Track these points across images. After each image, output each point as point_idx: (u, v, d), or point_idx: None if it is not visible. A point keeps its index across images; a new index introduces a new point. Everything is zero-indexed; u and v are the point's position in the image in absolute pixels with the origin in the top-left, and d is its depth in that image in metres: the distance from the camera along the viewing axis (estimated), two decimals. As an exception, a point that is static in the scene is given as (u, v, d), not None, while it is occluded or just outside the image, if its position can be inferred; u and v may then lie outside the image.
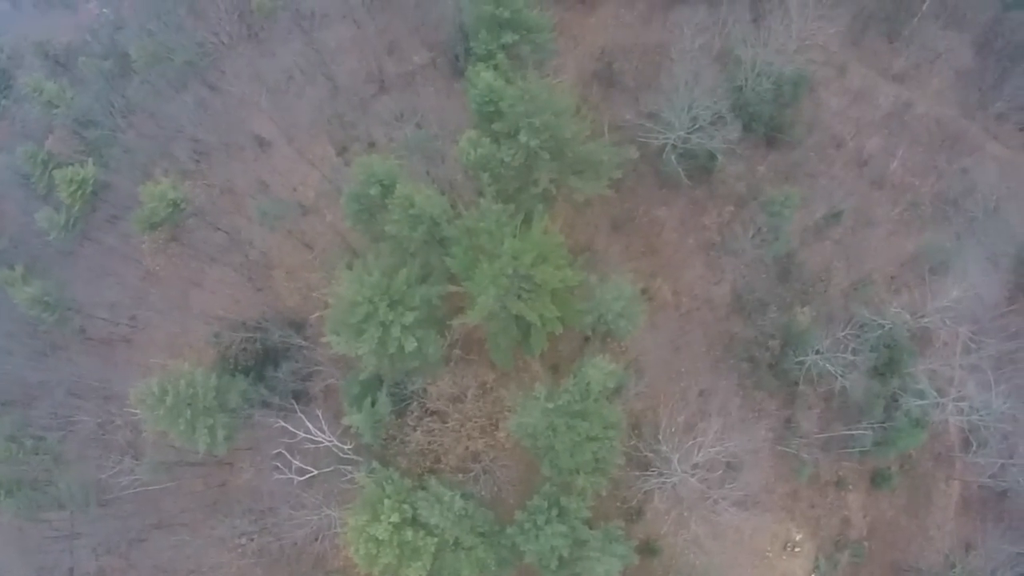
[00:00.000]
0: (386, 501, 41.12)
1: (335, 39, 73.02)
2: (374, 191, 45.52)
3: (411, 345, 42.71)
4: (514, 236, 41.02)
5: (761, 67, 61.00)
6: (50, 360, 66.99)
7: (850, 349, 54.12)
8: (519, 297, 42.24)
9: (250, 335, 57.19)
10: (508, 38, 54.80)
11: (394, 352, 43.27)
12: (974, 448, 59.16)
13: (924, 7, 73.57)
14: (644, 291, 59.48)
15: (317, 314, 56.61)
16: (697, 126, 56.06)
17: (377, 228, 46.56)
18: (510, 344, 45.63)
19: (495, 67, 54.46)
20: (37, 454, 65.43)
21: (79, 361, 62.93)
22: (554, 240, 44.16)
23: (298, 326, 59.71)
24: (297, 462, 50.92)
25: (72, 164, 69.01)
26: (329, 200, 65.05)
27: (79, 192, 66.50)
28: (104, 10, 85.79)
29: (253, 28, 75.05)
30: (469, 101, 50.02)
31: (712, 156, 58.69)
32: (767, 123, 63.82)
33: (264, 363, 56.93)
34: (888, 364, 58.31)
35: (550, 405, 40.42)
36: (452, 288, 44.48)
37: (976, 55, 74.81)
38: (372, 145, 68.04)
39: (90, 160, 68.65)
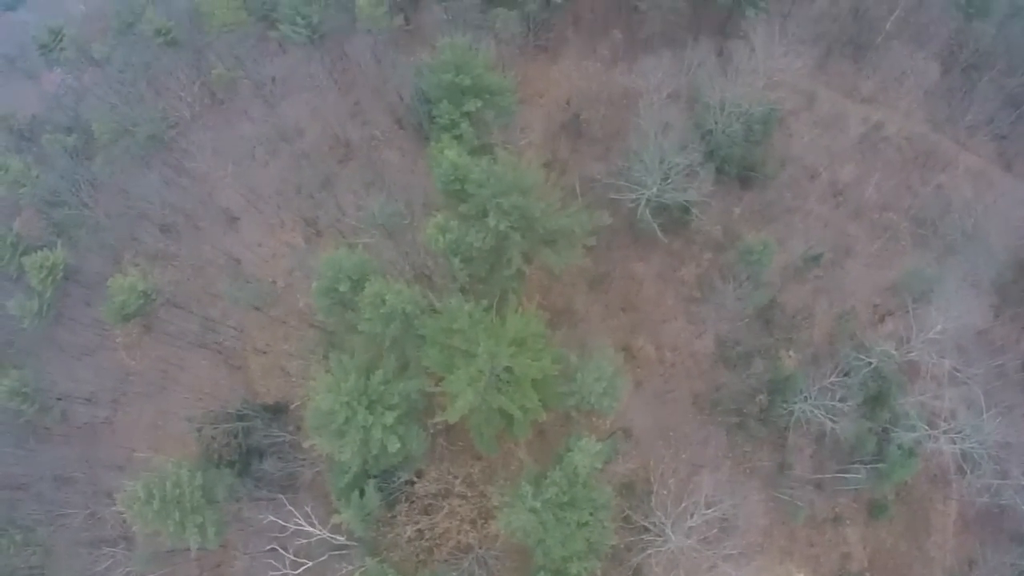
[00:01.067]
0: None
1: (297, 106, 71.26)
2: (344, 287, 44.19)
3: (394, 445, 41.56)
4: (488, 333, 39.78)
5: (730, 108, 59.92)
6: (34, 449, 65.34)
7: (838, 396, 53.48)
8: (499, 390, 41.15)
9: (232, 426, 55.81)
10: (471, 106, 53.40)
11: (378, 452, 42.12)
12: (968, 472, 58.78)
13: (888, 26, 72.69)
14: (626, 348, 58.72)
15: (297, 403, 55.56)
16: (669, 181, 54.91)
17: (350, 320, 45.24)
18: (494, 432, 44.56)
19: (459, 136, 53.18)
20: (28, 547, 63.95)
21: (63, 450, 61.43)
22: (532, 328, 42.99)
23: (279, 410, 58.48)
24: (290, 556, 49.92)
25: (41, 248, 67.25)
26: (302, 277, 63.55)
27: (50, 278, 64.58)
28: (67, 78, 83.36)
29: (216, 97, 73.18)
30: (435, 179, 48.63)
31: (686, 208, 57.60)
32: (739, 163, 62.81)
33: (249, 455, 55.63)
34: (877, 398, 57.74)
35: (537, 503, 39.38)
36: (431, 383, 43.29)
37: (942, 69, 73.93)
38: (342, 214, 66.58)
39: (59, 243, 66.77)
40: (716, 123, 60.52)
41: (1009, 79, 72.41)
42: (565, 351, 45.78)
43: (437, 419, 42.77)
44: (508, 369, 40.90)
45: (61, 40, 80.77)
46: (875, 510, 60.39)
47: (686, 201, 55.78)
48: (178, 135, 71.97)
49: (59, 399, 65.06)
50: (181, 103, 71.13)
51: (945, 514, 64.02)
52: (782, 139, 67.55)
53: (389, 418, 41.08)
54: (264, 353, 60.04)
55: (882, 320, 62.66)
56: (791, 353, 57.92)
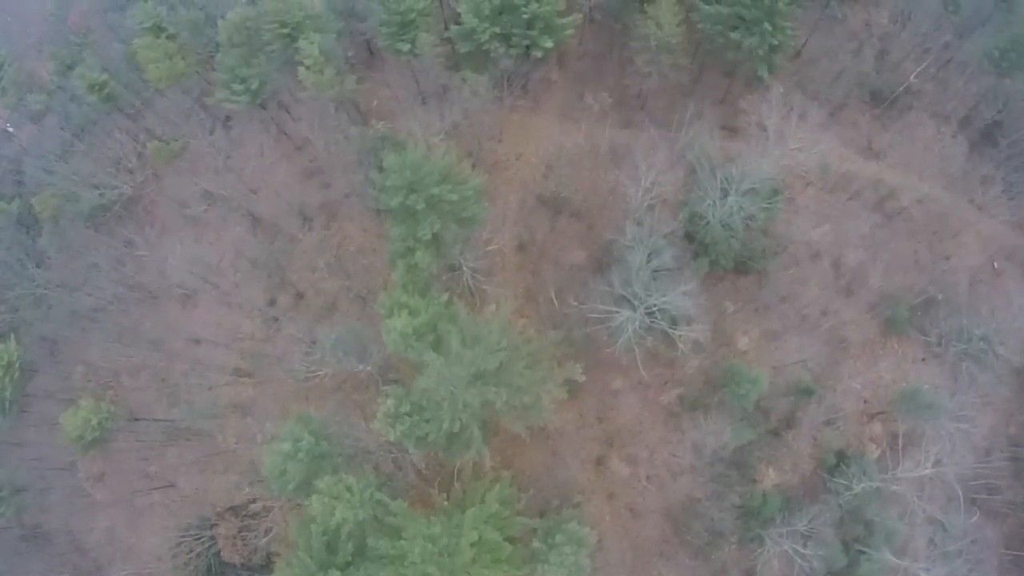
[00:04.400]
0: None
1: (248, 168, 62.67)
2: (293, 481, 40.05)
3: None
4: (443, 568, 36.00)
5: (732, 199, 51.54)
6: (23, 553, 63.73)
7: (813, 521, 50.31)
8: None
9: (206, 537, 53.78)
10: (426, 231, 45.85)
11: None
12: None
13: (912, 77, 61.92)
14: (599, 460, 55.06)
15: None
16: (656, 307, 47.91)
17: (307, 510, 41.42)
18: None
19: (415, 266, 46.07)
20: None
21: (45, 555, 60.01)
22: (496, 507, 39.02)
23: (252, 514, 56.13)
24: None
25: (-4, 337, 62.18)
26: (266, 364, 58.84)
27: (7, 377, 60.14)
28: (8, 127, 73.72)
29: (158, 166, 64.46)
30: (386, 343, 42.61)
31: (674, 319, 51.13)
32: (737, 257, 55.44)
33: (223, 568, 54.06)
34: (853, 511, 54.43)
35: None
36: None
37: (964, 125, 64.82)
38: (300, 297, 60.53)
39: (12, 337, 61.57)
40: (712, 215, 52.56)
41: (1032, 139, 63.12)
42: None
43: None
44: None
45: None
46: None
47: (673, 318, 49.25)
48: (125, 206, 64.32)
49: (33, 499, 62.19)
50: (120, 170, 62.80)
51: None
52: (785, 214, 59.26)
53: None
54: (231, 454, 56.72)
55: (871, 419, 58.06)
56: (771, 471, 53.99)
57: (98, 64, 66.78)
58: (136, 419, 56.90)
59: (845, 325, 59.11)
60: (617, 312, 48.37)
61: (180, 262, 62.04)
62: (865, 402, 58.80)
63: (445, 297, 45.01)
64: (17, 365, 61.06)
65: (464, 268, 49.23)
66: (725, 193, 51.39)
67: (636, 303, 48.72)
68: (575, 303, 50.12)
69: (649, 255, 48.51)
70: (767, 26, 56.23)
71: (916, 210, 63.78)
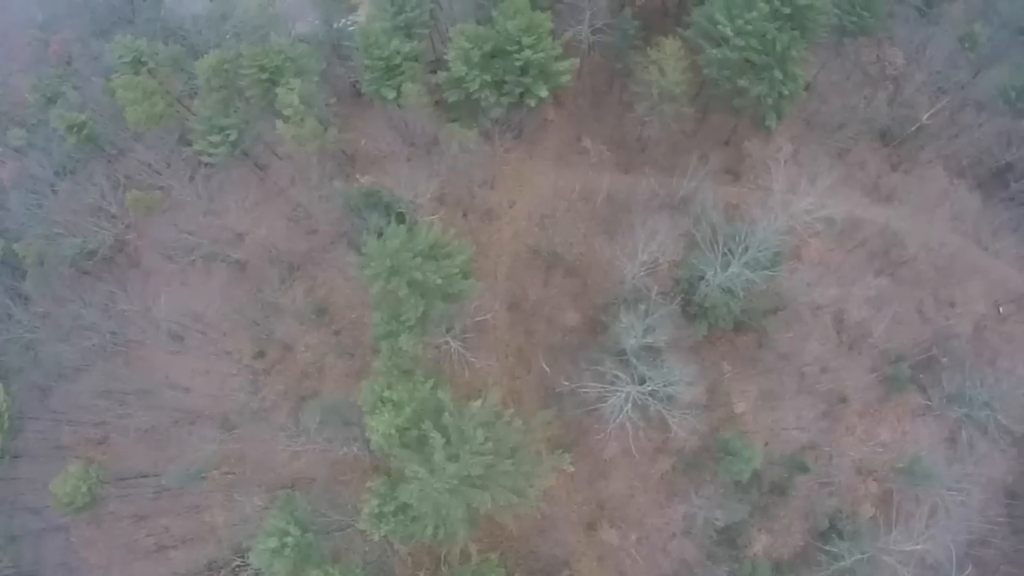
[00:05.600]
0: None
1: (232, 211, 59.37)
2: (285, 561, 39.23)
3: None
4: None
5: (735, 268, 48.78)
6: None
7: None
8: None
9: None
10: (411, 315, 43.53)
11: None
12: None
13: (925, 118, 58.13)
14: (590, 525, 53.99)
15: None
16: (650, 387, 45.80)
17: None
18: None
19: (399, 351, 43.98)
20: None
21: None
22: None
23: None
24: None
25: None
26: (253, 421, 57.50)
27: (-1, 426, 59.38)
28: None
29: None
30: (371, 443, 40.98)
31: (669, 396, 49.06)
32: (736, 319, 52.93)
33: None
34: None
35: None
36: None
37: (976, 166, 61.42)
38: (288, 350, 58.62)
39: (0, 386, 60.22)
40: (713, 281, 49.84)
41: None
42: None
43: None
44: None
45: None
46: None
47: (668, 395, 47.22)
48: (109, 252, 62.00)
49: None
50: (102, 216, 60.26)
51: None
52: (788, 269, 56.26)
53: None
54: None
55: (867, 479, 56.58)
56: (762, 535, 52.83)
57: (78, 99, 63.58)
58: (125, 478, 56.06)
59: (845, 383, 56.94)
60: (611, 392, 46.46)
61: (166, 309, 60.11)
62: (861, 461, 57.30)
63: (431, 384, 43.06)
64: (7, 416, 60.26)
65: (451, 344, 47.09)
66: (727, 263, 48.62)
67: (630, 381, 46.88)
68: (567, 383, 48.10)
69: (645, 330, 46.24)
70: (778, 73, 52.48)
71: (923, 257, 60.96)
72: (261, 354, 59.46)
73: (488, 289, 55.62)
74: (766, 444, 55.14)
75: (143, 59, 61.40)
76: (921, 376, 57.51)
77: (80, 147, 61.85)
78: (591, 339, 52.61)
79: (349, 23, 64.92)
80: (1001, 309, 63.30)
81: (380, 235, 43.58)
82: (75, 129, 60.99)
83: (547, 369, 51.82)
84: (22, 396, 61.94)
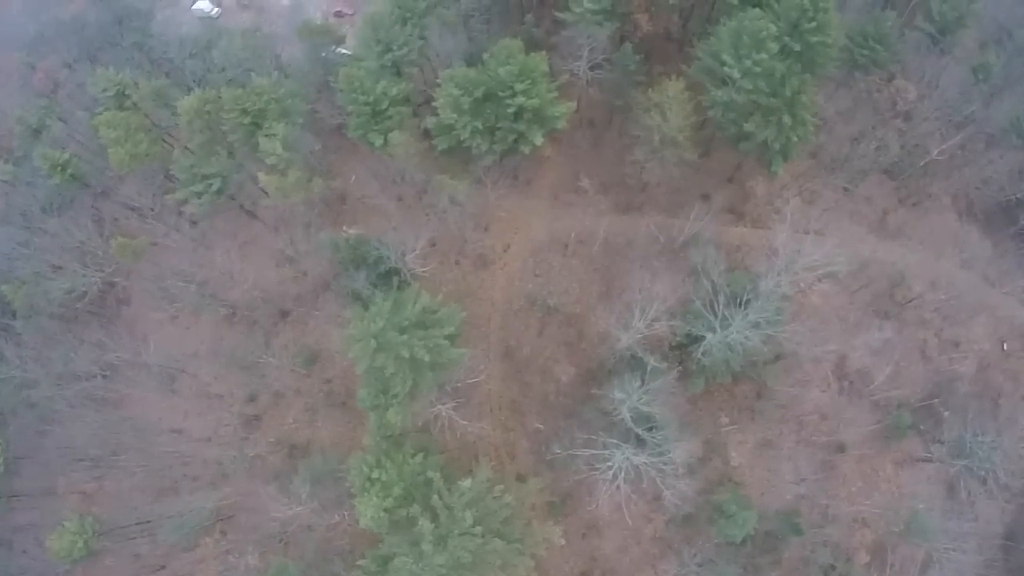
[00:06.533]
0: None
1: (221, 252, 58.10)
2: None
3: None
4: None
5: (736, 328, 46.87)
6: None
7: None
8: None
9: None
10: (401, 388, 42.05)
11: None
12: None
13: (935, 153, 55.26)
14: (584, 576, 53.47)
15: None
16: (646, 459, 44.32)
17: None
18: None
19: (388, 423, 42.70)
20: None
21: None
22: None
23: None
24: None
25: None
26: (244, 467, 56.80)
27: (-9, 470, 58.99)
28: None
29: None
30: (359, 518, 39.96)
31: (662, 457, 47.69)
32: (735, 371, 51.21)
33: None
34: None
35: None
36: None
37: (985, 201, 58.63)
38: (280, 396, 57.52)
39: (-6, 434, 59.74)
40: (713, 340, 48.00)
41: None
42: None
43: None
44: None
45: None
46: None
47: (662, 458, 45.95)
48: (98, 293, 60.58)
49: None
50: (88, 259, 58.66)
51: None
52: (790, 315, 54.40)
53: None
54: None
55: (863, 527, 55.54)
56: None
57: (63, 133, 61.38)
58: (122, 527, 55.72)
59: (844, 431, 55.47)
60: (605, 458, 45.16)
61: (156, 352, 59.22)
62: (858, 512, 56.15)
63: (420, 459, 41.91)
64: (1, 460, 59.90)
65: (442, 410, 45.75)
66: (728, 323, 46.66)
67: (623, 443, 45.58)
68: (559, 451, 46.87)
69: (640, 399, 44.69)
70: (787, 119, 49.59)
71: (928, 296, 58.89)
72: (252, 399, 58.48)
73: (481, 339, 54.22)
74: (762, 494, 54.28)
75: (127, 91, 59.41)
76: (921, 425, 56.06)
77: (65, 186, 59.98)
78: (586, 394, 51.10)
79: (337, 53, 62.15)
80: (1005, 345, 61.48)
81: (366, 307, 41.84)
82: (59, 168, 59.05)
83: (541, 427, 50.57)
84: (17, 439, 61.65)
